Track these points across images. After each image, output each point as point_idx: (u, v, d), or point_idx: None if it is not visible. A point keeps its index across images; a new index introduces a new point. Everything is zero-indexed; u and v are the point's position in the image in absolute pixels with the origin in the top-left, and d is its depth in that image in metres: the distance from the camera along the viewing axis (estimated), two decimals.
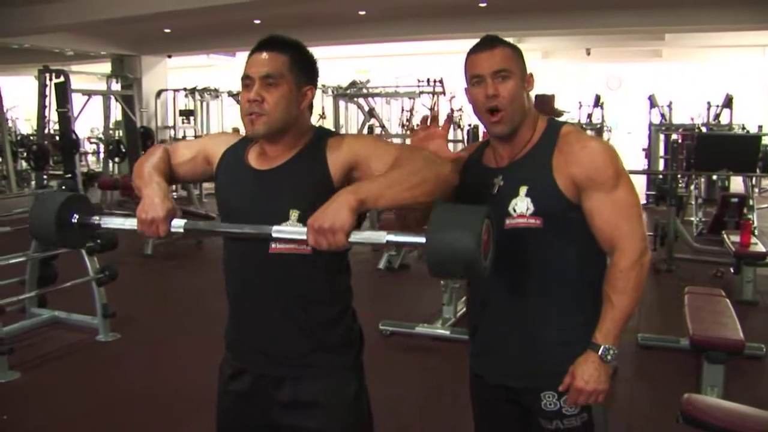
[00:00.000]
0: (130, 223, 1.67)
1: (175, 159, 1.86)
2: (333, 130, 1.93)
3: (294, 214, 1.66)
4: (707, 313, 3.80)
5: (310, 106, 1.81)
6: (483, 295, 1.92)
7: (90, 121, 16.51)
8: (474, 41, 1.84)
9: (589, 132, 11.98)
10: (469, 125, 13.42)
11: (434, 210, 1.39)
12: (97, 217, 1.74)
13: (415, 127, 2.00)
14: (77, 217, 1.72)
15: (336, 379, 1.76)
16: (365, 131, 11.60)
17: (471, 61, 1.80)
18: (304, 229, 1.46)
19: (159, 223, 1.61)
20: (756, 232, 6.88)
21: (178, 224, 1.63)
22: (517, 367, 1.84)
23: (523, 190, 1.76)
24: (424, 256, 1.40)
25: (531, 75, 1.84)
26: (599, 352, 1.70)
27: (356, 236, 1.44)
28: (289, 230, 1.54)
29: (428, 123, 1.98)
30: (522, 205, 1.75)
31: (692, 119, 12.32)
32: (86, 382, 4.17)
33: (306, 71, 1.74)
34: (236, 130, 14.76)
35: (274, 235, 1.53)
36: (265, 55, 1.69)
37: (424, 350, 4.73)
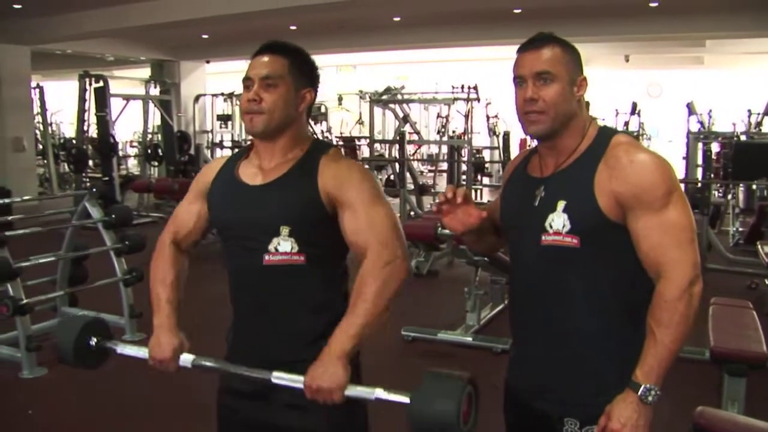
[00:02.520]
0: (143, 354, 1.82)
1: (182, 230, 1.93)
2: (331, 143, 1.95)
3: (285, 230, 1.71)
4: (731, 324, 3.71)
5: (310, 110, 1.85)
6: (518, 308, 1.85)
7: (132, 125, 16.82)
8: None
9: None
10: (505, 132, 13.36)
11: (424, 377, 1.53)
12: (114, 343, 1.87)
13: (441, 201, 1.79)
14: (95, 341, 1.86)
15: None
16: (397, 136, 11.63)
17: (516, 60, 1.70)
18: (302, 378, 1.59)
19: (167, 364, 1.78)
20: None
21: (186, 360, 1.78)
22: (544, 386, 1.75)
23: (561, 205, 1.64)
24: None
25: (584, 79, 1.70)
26: (639, 392, 1.56)
27: (349, 391, 1.58)
28: (289, 378, 1.63)
29: (452, 198, 1.76)
30: (558, 221, 1.64)
31: (734, 125, 12.03)
32: (111, 380, 4.22)
33: (305, 74, 1.80)
34: None
35: (273, 381, 1.63)
36: (265, 58, 1.76)
37: (445, 357, 4.70)
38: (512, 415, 1.89)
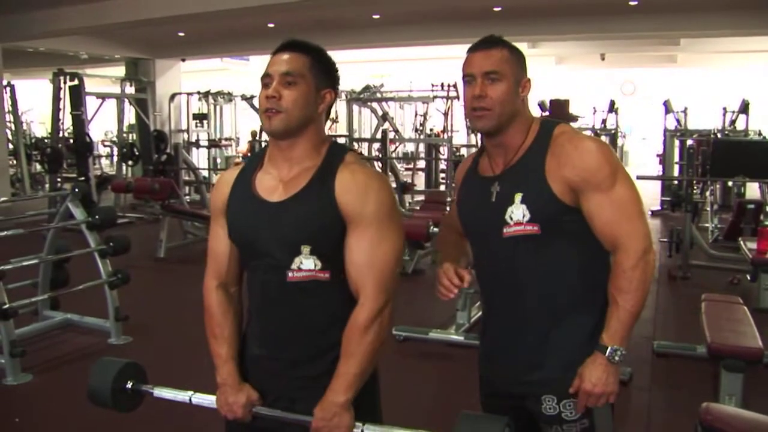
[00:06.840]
0: (182, 397, 1.84)
1: (221, 266, 1.85)
2: (348, 146, 1.90)
3: (306, 249, 1.67)
4: (725, 321, 3.75)
5: (328, 113, 1.80)
6: (488, 299, 1.94)
7: (104, 124, 16.58)
8: None
9: (603, 138, 11.94)
10: None
11: (460, 419, 1.54)
12: (150, 386, 1.88)
13: None
14: (131, 384, 1.87)
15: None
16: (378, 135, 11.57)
17: (467, 60, 1.81)
18: None
19: (242, 418, 1.75)
20: None
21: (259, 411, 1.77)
22: (519, 372, 1.83)
23: (518, 197, 1.75)
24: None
25: (528, 80, 1.83)
26: (606, 354, 1.70)
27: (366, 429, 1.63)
28: None
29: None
30: (518, 212, 1.74)
31: (718, 126, 12.15)
32: None
33: (325, 74, 1.76)
34: (254, 134, 14.82)
35: None
36: (286, 55, 1.71)
37: (438, 356, 4.70)
38: (489, 404, 1.97)
